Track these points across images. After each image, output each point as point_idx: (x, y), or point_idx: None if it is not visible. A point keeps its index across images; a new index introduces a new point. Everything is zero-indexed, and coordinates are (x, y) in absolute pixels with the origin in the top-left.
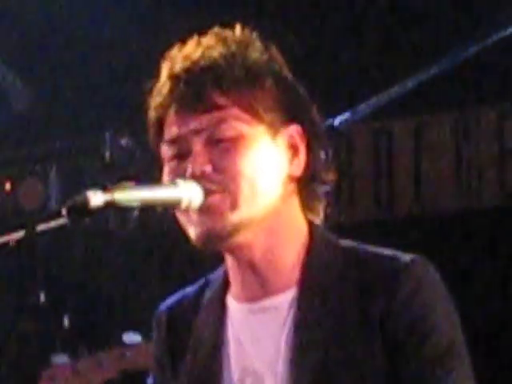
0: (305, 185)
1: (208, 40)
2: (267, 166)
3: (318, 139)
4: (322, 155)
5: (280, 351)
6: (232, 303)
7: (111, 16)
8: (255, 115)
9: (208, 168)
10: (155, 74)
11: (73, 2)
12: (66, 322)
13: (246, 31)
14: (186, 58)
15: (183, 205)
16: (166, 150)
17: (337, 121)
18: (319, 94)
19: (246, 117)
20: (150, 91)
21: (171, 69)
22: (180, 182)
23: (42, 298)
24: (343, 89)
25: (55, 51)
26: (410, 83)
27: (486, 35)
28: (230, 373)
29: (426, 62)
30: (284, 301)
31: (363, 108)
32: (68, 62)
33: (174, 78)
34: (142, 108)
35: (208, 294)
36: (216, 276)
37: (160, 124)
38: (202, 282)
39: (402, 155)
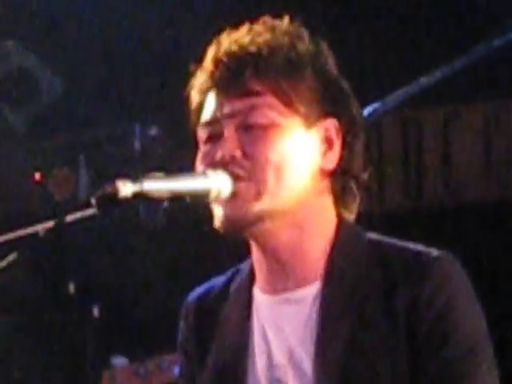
0: (338, 180)
1: (256, 27)
2: (297, 157)
3: (355, 135)
4: (359, 151)
5: (303, 345)
6: (258, 294)
7: (140, 7)
8: (290, 106)
9: (237, 153)
10: (193, 61)
11: None
12: (95, 312)
13: (296, 23)
14: (231, 42)
15: (212, 195)
16: (201, 132)
17: (366, 111)
18: (349, 85)
19: (280, 106)
20: (193, 74)
21: (216, 52)
22: (209, 172)
23: (72, 288)
24: (372, 79)
25: (86, 42)
26: (440, 73)
27: None
28: (255, 364)
29: (457, 51)
30: (309, 294)
31: (393, 98)
32: (98, 52)
33: (217, 60)
34: (172, 98)
35: (236, 283)
36: (245, 266)
37: (200, 106)
38: (231, 271)
39: (432, 145)
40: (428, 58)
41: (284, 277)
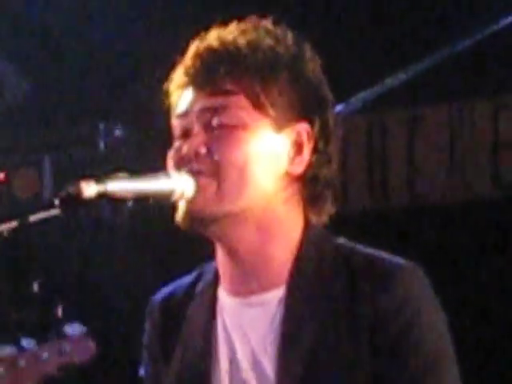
0: (307, 185)
1: (242, 26)
2: (262, 160)
3: (328, 142)
4: (331, 158)
5: (266, 348)
6: (223, 295)
7: (108, 9)
8: (260, 108)
9: (202, 150)
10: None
11: None
12: (59, 311)
13: (282, 26)
14: (213, 39)
15: (175, 196)
16: (174, 126)
17: None
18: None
19: (250, 108)
20: (173, 69)
21: (197, 47)
22: (173, 173)
23: (36, 287)
24: (337, 81)
25: (50, 42)
26: (404, 75)
27: (481, 27)
28: (219, 367)
29: (421, 53)
30: (273, 298)
31: (357, 100)
32: (63, 52)
33: (195, 56)
34: (137, 98)
35: (201, 284)
36: (210, 266)
37: (176, 100)
38: (197, 271)
39: (396, 147)
40: (392, 59)
41: (247, 280)
